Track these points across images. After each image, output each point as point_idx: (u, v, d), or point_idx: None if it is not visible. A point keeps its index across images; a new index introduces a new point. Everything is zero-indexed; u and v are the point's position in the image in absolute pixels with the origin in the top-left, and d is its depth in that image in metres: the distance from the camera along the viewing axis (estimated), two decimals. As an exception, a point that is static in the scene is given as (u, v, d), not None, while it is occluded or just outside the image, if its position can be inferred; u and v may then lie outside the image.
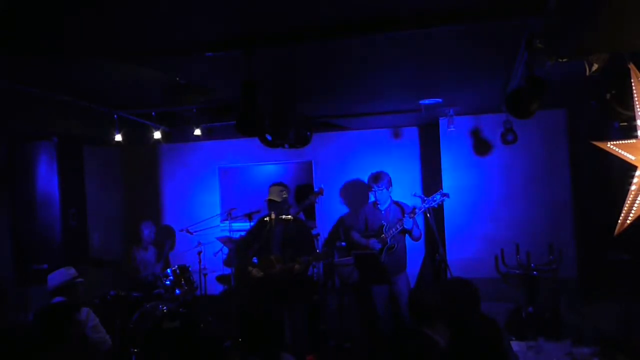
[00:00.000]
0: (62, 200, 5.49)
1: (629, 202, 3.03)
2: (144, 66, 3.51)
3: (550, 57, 3.02)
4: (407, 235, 5.36)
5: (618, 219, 3.09)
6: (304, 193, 6.93)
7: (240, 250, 5.36)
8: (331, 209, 6.63)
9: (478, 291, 3.07)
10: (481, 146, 5.76)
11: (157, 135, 5.30)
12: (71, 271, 4.08)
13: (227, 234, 6.49)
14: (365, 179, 5.62)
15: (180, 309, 5.19)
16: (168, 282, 5.52)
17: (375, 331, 5.45)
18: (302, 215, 6.22)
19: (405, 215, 5.17)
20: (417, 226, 5.31)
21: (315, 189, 6.37)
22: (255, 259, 5.24)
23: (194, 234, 6.35)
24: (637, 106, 2.99)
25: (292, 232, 5.17)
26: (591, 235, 5.08)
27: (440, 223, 5.76)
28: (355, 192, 6.53)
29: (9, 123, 4.99)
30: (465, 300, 2.99)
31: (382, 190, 5.30)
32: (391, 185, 5.40)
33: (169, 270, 5.60)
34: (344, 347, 5.56)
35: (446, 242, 5.76)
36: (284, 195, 5.23)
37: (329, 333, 5.71)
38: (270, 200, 5.20)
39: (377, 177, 5.33)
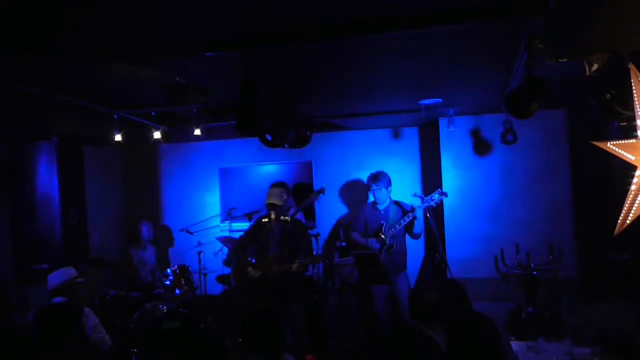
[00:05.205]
0: (62, 200, 5.50)
1: (629, 202, 3.03)
2: (144, 66, 3.51)
3: (550, 57, 3.03)
4: (407, 234, 5.36)
5: (618, 219, 3.10)
6: (302, 192, 6.92)
7: (238, 251, 5.36)
8: (331, 209, 6.63)
9: (467, 291, 3.07)
10: (481, 146, 5.77)
11: (157, 135, 5.30)
12: (71, 271, 4.07)
13: (227, 234, 6.50)
14: (366, 179, 5.61)
15: (180, 309, 5.19)
16: (168, 282, 5.52)
17: (375, 331, 5.45)
18: (301, 215, 6.22)
19: (405, 216, 5.17)
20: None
21: (317, 188, 6.37)
22: (253, 260, 5.24)
23: (194, 234, 6.36)
24: (637, 106, 3.00)
25: (290, 232, 5.16)
26: (591, 235, 5.08)
27: (440, 223, 5.76)
28: (355, 192, 6.54)
29: (9, 123, 4.99)
30: (456, 299, 2.99)
31: (380, 189, 5.29)
32: (390, 185, 5.40)
33: (169, 270, 5.59)
34: (344, 347, 5.55)
35: (446, 242, 5.77)
36: (284, 198, 5.23)
37: (329, 333, 5.71)
38: (271, 204, 5.18)
39: (376, 177, 5.33)
